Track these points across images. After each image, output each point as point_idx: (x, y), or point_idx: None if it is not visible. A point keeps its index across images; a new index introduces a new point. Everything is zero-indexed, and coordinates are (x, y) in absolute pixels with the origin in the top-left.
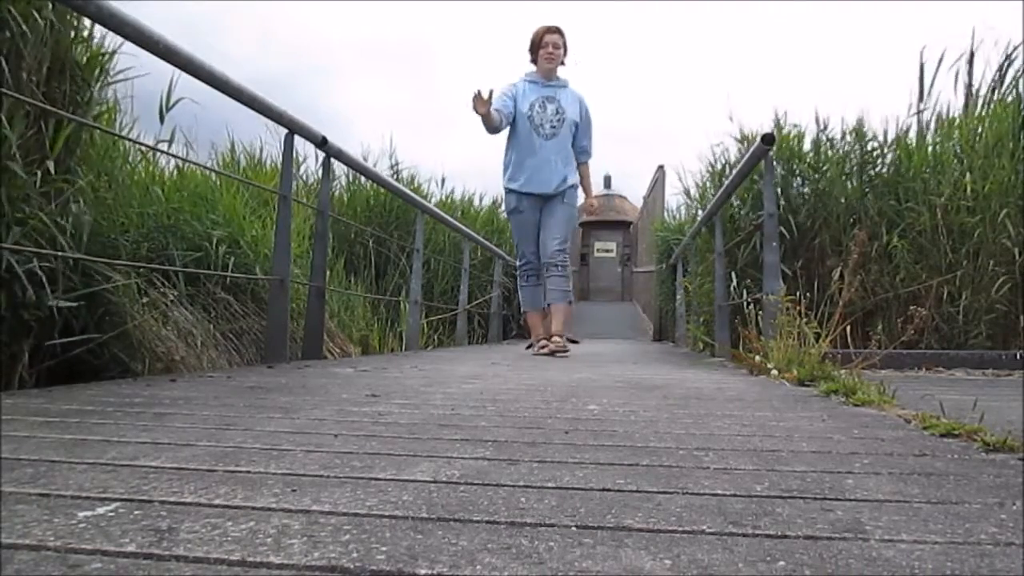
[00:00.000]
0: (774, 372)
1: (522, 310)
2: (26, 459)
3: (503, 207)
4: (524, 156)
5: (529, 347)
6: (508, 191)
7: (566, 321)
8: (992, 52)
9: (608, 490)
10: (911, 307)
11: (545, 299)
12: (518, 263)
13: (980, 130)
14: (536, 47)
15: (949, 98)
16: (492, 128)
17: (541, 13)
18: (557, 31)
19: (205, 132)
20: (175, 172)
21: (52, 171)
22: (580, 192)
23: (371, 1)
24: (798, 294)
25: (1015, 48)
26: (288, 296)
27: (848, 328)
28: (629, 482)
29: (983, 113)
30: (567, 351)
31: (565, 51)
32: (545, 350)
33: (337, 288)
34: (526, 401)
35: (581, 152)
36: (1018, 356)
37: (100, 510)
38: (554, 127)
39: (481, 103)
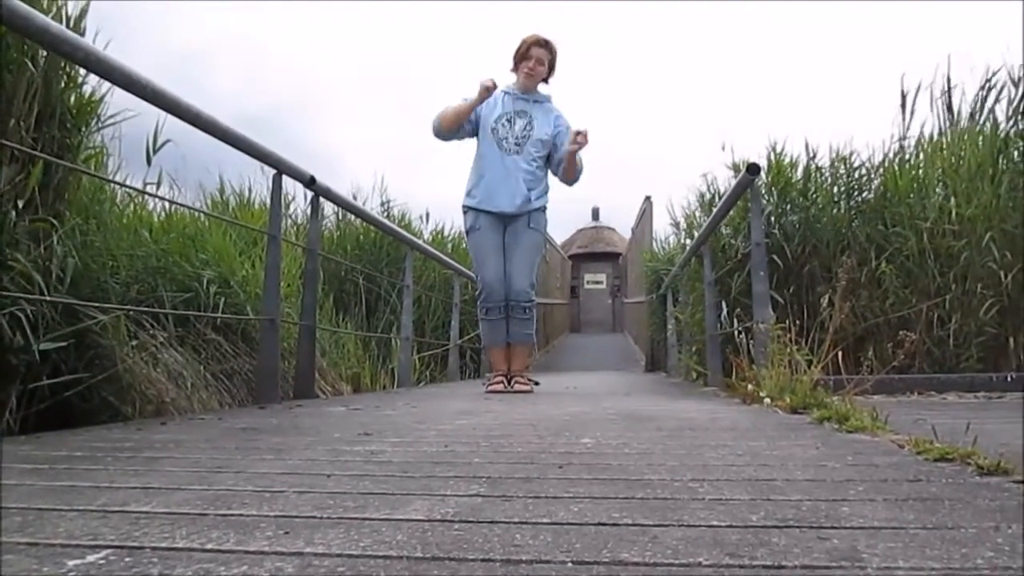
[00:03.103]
0: (767, 400)
1: (483, 345)
2: (14, 507)
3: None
4: (484, 170)
5: (487, 383)
6: (466, 209)
7: (527, 359)
8: (969, 78)
9: (603, 524)
10: (901, 332)
11: (508, 337)
12: (477, 292)
13: (962, 154)
14: (520, 58)
15: (931, 123)
16: (449, 127)
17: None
18: (545, 45)
19: (193, 172)
20: (163, 214)
21: (39, 214)
22: (547, 217)
23: (356, 33)
24: (789, 322)
25: (993, 74)
26: (279, 336)
27: (840, 354)
28: (624, 515)
29: (964, 138)
30: (529, 389)
31: (552, 68)
32: (500, 386)
33: (328, 326)
34: (519, 436)
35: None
36: (1009, 378)
37: (90, 558)
38: (519, 142)
39: (484, 89)
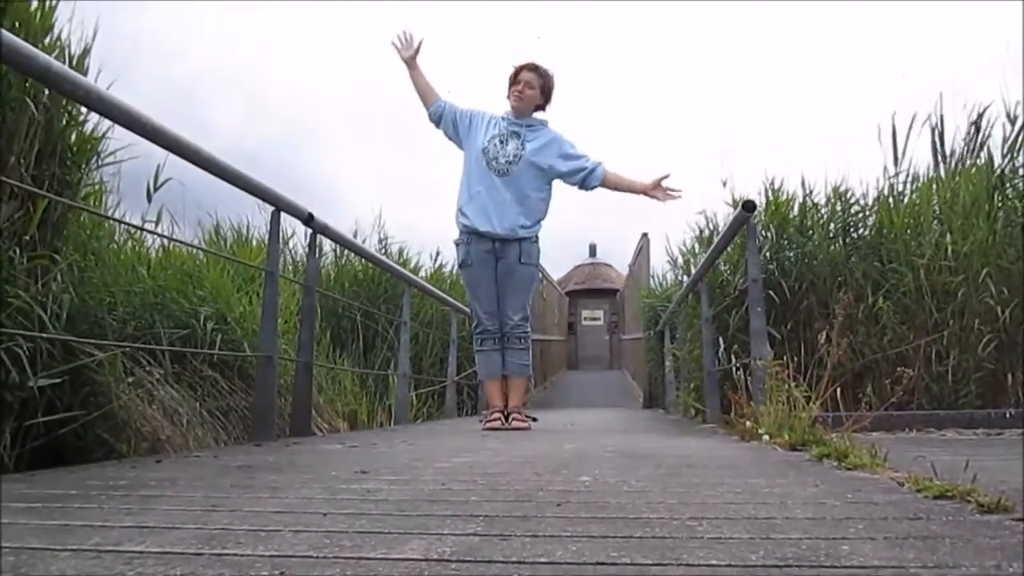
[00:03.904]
0: (765, 437)
1: (479, 379)
2: (6, 547)
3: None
4: (473, 190)
5: (484, 419)
6: (457, 241)
7: (524, 395)
8: (961, 116)
9: (602, 563)
10: (899, 368)
11: (504, 369)
12: (473, 324)
13: (957, 191)
14: (511, 83)
15: (924, 160)
16: (423, 99)
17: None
18: (535, 70)
19: (192, 208)
20: (161, 250)
21: (37, 251)
22: (539, 247)
23: (358, 64)
24: (786, 358)
25: (984, 110)
26: (276, 372)
27: (838, 391)
28: (623, 555)
29: (958, 174)
30: (527, 426)
31: (546, 96)
32: (497, 423)
33: (325, 363)
34: (517, 474)
35: (586, 174)
36: (1008, 414)
37: None
38: (509, 162)
39: (405, 46)
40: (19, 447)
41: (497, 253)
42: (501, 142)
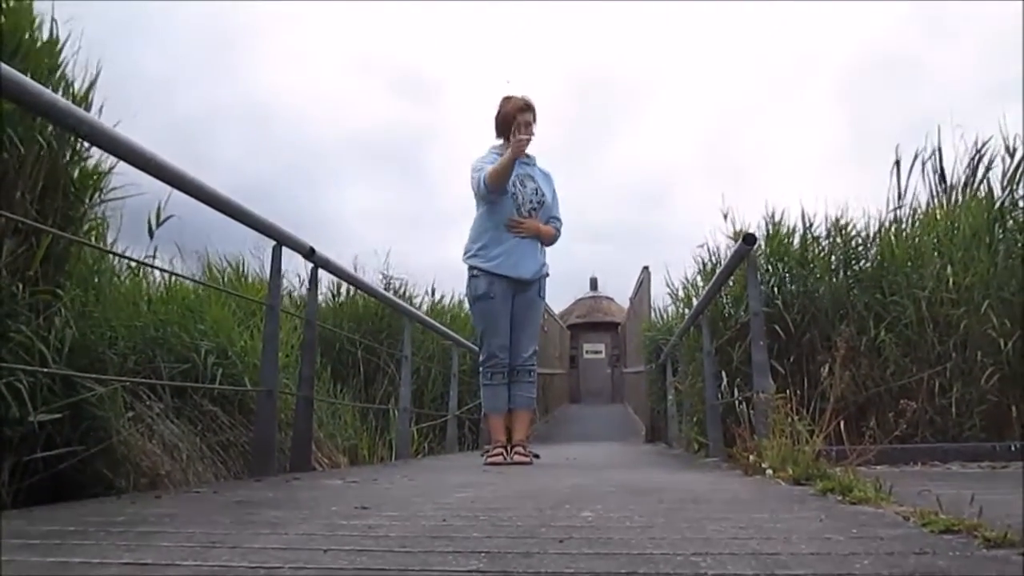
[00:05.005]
0: (769, 472)
1: (483, 412)
2: None
3: (466, 291)
4: (502, 234)
5: (485, 454)
6: (476, 273)
7: (528, 428)
8: (961, 148)
9: None
10: (902, 401)
11: (509, 403)
12: (481, 358)
13: (958, 223)
14: (508, 125)
15: (925, 192)
16: (498, 185)
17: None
18: (529, 108)
19: (192, 240)
20: (161, 285)
21: (39, 285)
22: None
23: (361, 98)
24: (789, 391)
25: (983, 144)
26: (276, 407)
27: (841, 424)
28: None
29: (959, 206)
30: (529, 461)
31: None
32: (499, 458)
33: (325, 398)
34: (519, 509)
35: (552, 220)
36: (1012, 447)
37: None
38: (534, 208)
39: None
40: (18, 482)
41: (517, 290)
42: (522, 185)
